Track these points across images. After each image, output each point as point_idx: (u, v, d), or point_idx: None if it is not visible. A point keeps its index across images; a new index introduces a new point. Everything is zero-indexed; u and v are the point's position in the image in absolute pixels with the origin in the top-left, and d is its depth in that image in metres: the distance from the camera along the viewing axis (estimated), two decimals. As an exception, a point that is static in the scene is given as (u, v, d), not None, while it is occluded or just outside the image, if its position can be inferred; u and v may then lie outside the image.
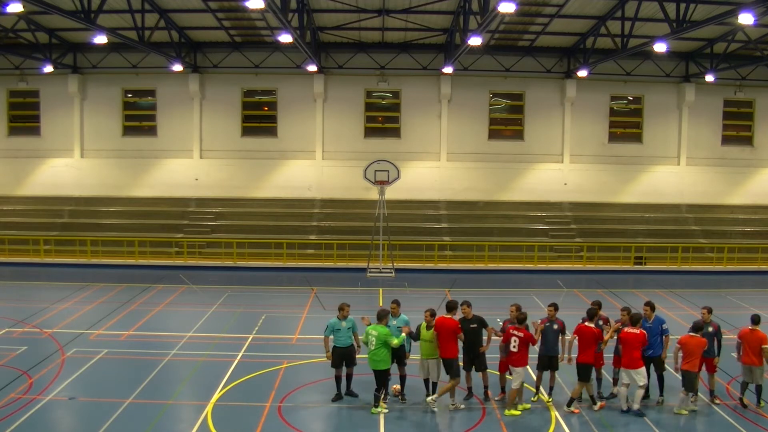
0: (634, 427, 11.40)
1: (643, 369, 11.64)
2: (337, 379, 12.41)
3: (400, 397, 12.45)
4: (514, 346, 11.75)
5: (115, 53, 30.15)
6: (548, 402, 12.37)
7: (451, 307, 12.09)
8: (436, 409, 11.90)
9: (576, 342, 12.05)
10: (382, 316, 11.93)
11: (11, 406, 11.69)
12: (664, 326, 12.34)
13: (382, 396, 11.85)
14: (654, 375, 12.27)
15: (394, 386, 12.54)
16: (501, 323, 12.83)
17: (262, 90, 32.10)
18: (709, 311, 12.71)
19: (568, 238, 30.19)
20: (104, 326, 17.75)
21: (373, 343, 11.63)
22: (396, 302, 12.59)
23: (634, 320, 11.94)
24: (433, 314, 12.06)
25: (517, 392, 11.82)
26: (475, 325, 12.23)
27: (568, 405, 11.91)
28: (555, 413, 11.90)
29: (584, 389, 12.00)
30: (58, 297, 21.24)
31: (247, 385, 13.13)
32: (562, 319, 12.59)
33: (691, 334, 11.76)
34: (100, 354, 15.02)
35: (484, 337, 12.35)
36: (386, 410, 11.80)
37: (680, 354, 11.86)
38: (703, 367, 12.05)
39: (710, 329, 12.34)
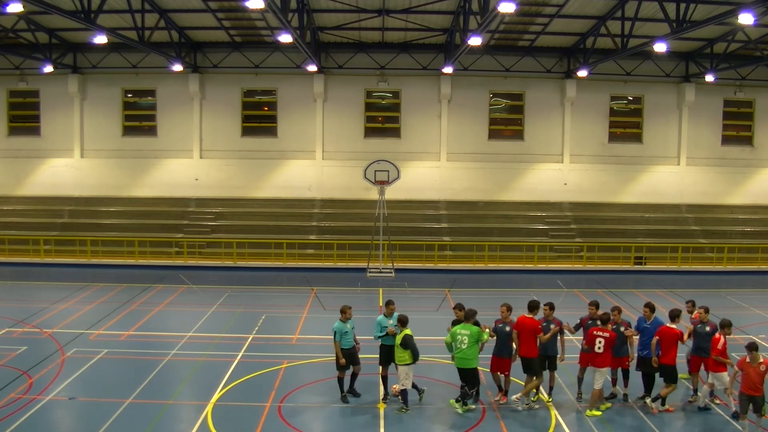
0: (635, 427, 11.41)
1: (606, 369, 11.80)
2: (340, 380, 12.42)
3: (400, 396, 12.44)
4: (599, 347, 11.66)
5: (115, 53, 30.15)
6: (548, 402, 12.37)
7: (532, 306, 12.21)
8: (520, 408, 11.92)
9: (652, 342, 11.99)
10: (470, 315, 11.99)
11: (11, 406, 11.69)
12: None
13: (461, 396, 12.01)
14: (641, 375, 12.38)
15: (394, 386, 12.52)
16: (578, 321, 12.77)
17: (262, 90, 32.09)
18: (707, 311, 12.60)
19: (568, 238, 30.19)
20: (104, 326, 17.75)
21: (465, 342, 11.68)
22: (391, 302, 12.65)
23: (603, 320, 11.95)
24: (403, 323, 11.99)
25: (600, 393, 11.77)
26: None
27: (662, 404, 11.90)
28: (555, 413, 11.91)
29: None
30: (58, 297, 21.23)
31: (247, 385, 13.14)
32: (561, 319, 12.59)
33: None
34: (100, 354, 15.02)
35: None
36: (473, 407, 12.00)
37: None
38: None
39: (707, 329, 12.32)
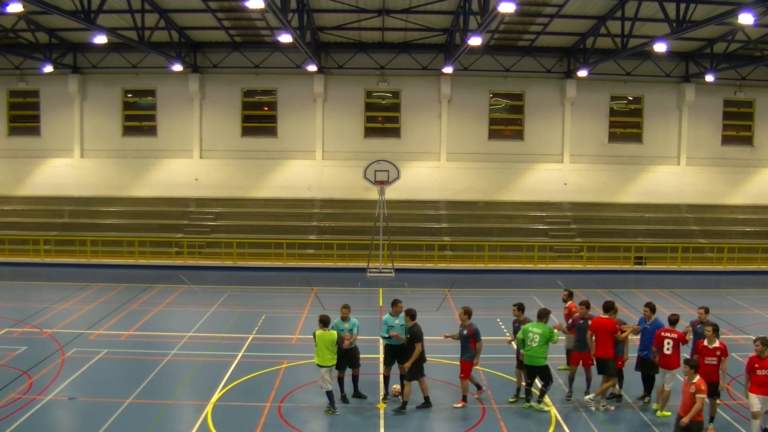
0: (635, 427, 11.41)
1: (677, 370, 11.64)
2: (340, 380, 12.40)
3: (400, 396, 12.44)
4: (667, 348, 11.60)
5: (115, 53, 30.15)
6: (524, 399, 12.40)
7: (608, 307, 12.18)
8: (593, 408, 11.90)
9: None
10: (543, 315, 12.06)
11: (11, 406, 11.69)
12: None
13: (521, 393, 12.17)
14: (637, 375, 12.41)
15: (394, 386, 12.53)
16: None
17: (262, 90, 32.09)
18: (707, 311, 12.62)
19: (568, 238, 30.19)
20: (104, 326, 17.76)
21: (536, 341, 11.77)
22: (397, 301, 12.57)
23: (672, 321, 11.88)
24: (323, 321, 11.94)
25: (668, 394, 11.71)
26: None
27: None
28: (555, 413, 11.90)
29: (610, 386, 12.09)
30: (58, 297, 21.24)
31: (247, 385, 13.14)
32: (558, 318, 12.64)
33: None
34: (100, 354, 15.03)
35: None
36: (548, 408, 12.01)
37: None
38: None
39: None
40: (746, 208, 32.15)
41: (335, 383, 12.21)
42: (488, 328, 18.37)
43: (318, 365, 11.76)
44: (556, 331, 12.15)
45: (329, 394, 11.74)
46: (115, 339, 16.53)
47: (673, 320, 11.92)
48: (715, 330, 10.95)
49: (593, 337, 12.07)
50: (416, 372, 11.86)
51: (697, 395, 9.39)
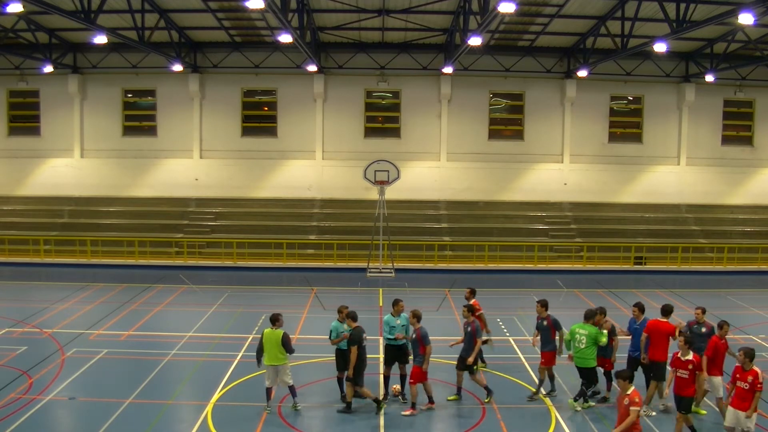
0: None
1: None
2: (340, 380, 12.39)
3: (400, 396, 12.45)
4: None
5: (115, 53, 30.14)
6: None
7: (667, 310, 12.11)
8: (650, 414, 11.64)
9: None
10: (589, 316, 11.99)
11: (11, 406, 11.69)
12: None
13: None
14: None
15: (394, 386, 12.53)
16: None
17: (262, 90, 32.10)
18: (704, 312, 12.55)
19: (568, 238, 30.19)
20: (104, 326, 17.75)
21: (584, 342, 11.74)
22: (398, 300, 12.56)
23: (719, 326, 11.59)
24: (272, 320, 11.94)
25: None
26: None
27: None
28: (555, 413, 11.90)
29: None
30: (58, 297, 21.24)
31: (247, 385, 13.13)
32: (559, 318, 12.65)
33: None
34: (100, 354, 15.03)
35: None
36: (593, 404, 11.97)
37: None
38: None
39: (703, 330, 12.22)
40: (746, 208, 32.15)
41: (334, 383, 12.21)
42: (489, 328, 18.40)
43: (266, 364, 11.70)
44: (604, 331, 12.00)
45: (268, 390, 11.79)
46: (115, 339, 16.52)
47: (667, 311, 11.97)
48: (688, 342, 10.52)
49: (647, 339, 11.76)
50: (356, 376, 11.66)
51: (630, 408, 9.03)
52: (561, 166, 31.97)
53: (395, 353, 12.32)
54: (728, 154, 32.45)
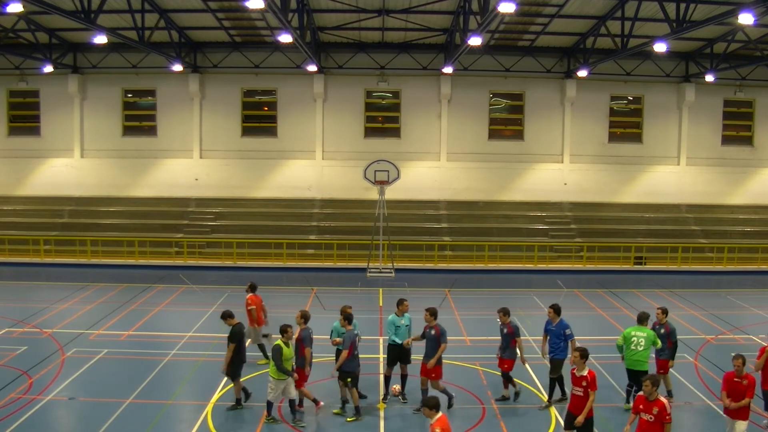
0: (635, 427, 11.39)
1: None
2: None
3: (400, 396, 12.45)
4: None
5: (115, 53, 30.14)
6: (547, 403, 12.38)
7: (642, 318, 12.07)
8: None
9: None
10: (644, 318, 11.89)
11: (11, 406, 11.69)
12: (567, 331, 12.09)
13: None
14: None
15: (394, 386, 12.54)
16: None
17: (262, 90, 32.09)
18: (664, 311, 12.55)
19: (568, 238, 30.18)
20: (104, 326, 17.75)
21: (642, 344, 11.61)
22: (403, 300, 12.62)
23: None
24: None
25: None
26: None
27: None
28: (555, 413, 11.90)
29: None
30: (58, 297, 21.24)
31: (247, 385, 13.10)
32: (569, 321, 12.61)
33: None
34: (100, 354, 15.03)
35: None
36: (628, 407, 11.75)
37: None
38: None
39: (662, 331, 12.28)
40: (746, 208, 32.15)
41: (334, 383, 12.20)
42: (489, 328, 18.39)
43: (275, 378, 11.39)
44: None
45: (270, 405, 11.55)
46: (115, 339, 16.52)
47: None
48: (584, 356, 9.87)
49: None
50: (234, 372, 11.82)
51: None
52: (561, 166, 31.97)
53: (398, 353, 12.33)
54: (728, 154, 32.45)
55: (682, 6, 20.61)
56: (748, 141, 32.72)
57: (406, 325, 12.28)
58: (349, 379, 11.62)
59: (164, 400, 12.30)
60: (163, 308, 20.41)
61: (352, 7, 25.37)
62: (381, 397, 12.39)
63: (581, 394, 9.59)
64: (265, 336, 14.58)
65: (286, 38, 22.84)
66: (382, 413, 11.87)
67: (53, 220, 30.43)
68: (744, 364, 9.66)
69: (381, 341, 15.50)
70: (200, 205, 31.42)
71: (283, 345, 11.12)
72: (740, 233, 31.01)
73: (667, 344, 12.19)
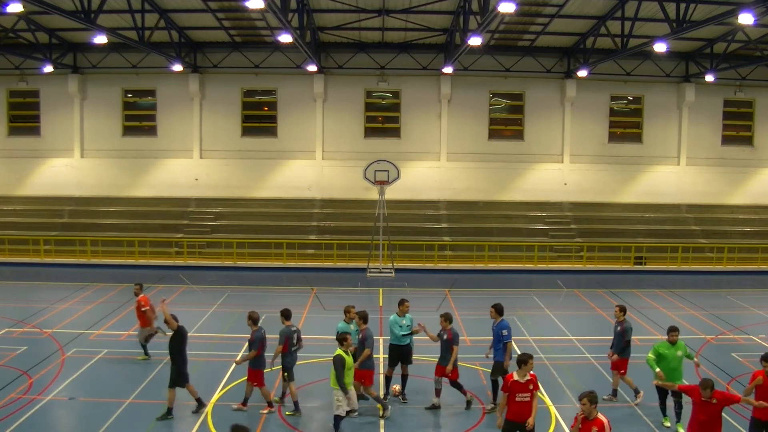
0: (634, 428, 11.40)
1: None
2: None
3: (400, 396, 12.45)
4: None
5: (115, 53, 30.15)
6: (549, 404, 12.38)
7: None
8: None
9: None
10: (672, 330, 11.38)
11: (11, 406, 11.69)
12: (504, 332, 11.85)
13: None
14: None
15: (394, 386, 12.54)
16: None
17: (262, 90, 32.10)
18: (621, 309, 12.53)
19: (568, 238, 30.19)
20: (104, 326, 17.75)
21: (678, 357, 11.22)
22: (404, 300, 12.66)
23: None
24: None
25: None
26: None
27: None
28: (555, 413, 11.90)
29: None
30: (58, 297, 21.23)
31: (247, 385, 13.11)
32: (558, 318, 12.59)
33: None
34: (100, 354, 15.03)
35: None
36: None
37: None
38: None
39: (618, 328, 12.32)
40: (746, 208, 32.15)
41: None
42: (489, 328, 18.39)
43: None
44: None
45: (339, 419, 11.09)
46: (115, 339, 16.52)
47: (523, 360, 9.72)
48: (521, 362, 9.40)
49: None
50: (177, 379, 11.54)
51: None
52: (561, 166, 31.97)
53: (399, 353, 12.34)
54: (728, 154, 32.45)
55: (682, 6, 20.62)
56: (748, 141, 32.72)
57: (408, 326, 12.30)
58: (286, 374, 11.83)
59: (164, 400, 12.27)
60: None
61: (352, 7, 25.37)
62: (381, 397, 12.38)
63: (527, 399, 9.27)
64: (151, 335, 14.70)
65: (286, 38, 22.85)
66: (382, 413, 11.85)
67: (53, 220, 30.43)
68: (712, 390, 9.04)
69: (381, 341, 15.49)
70: (200, 205, 31.43)
71: (344, 354, 10.69)
72: (740, 233, 31.01)
73: (622, 343, 12.21)
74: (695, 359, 11.97)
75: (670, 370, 11.08)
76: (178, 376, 11.55)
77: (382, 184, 26.57)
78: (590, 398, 8.14)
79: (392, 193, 27.97)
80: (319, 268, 27.60)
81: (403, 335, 12.31)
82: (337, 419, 10.74)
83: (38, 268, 27.49)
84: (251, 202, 31.46)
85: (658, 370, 10.93)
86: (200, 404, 11.85)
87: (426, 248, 28.33)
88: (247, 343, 11.98)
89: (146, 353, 14.76)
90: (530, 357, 9.45)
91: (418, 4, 25.30)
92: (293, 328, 12.01)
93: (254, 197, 31.55)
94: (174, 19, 27.26)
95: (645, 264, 28.85)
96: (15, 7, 18.66)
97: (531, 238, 29.78)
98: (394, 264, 26.71)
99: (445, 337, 11.92)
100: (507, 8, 17.79)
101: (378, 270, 26.53)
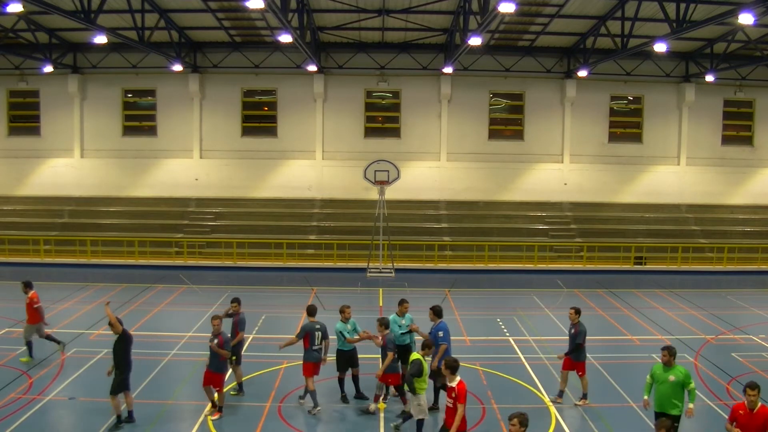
0: (634, 428, 11.40)
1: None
2: (341, 381, 12.43)
3: (400, 397, 12.44)
4: None
5: (115, 53, 30.15)
6: (548, 403, 12.37)
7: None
8: None
9: None
10: (663, 350, 10.68)
11: (11, 406, 11.69)
12: (440, 333, 11.75)
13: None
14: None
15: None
16: None
17: (262, 90, 32.09)
18: (576, 311, 12.53)
19: (568, 238, 30.18)
20: (104, 326, 17.69)
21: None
22: (404, 301, 12.68)
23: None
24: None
25: None
26: None
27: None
28: (555, 413, 11.90)
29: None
30: (58, 297, 21.21)
31: (247, 385, 13.11)
32: (558, 318, 12.60)
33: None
34: (100, 354, 14.99)
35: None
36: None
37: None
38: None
39: (572, 330, 12.31)
40: (746, 208, 32.14)
41: (335, 383, 12.21)
42: (489, 328, 18.43)
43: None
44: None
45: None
46: (114, 339, 16.46)
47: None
48: (449, 367, 9.09)
49: None
50: (120, 385, 11.04)
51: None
52: (561, 166, 31.97)
53: (400, 353, 12.32)
54: (728, 154, 32.45)
55: (682, 6, 20.60)
56: (748, 141, 32.71)
57: (407, 325, 12.30)
58: (234, 357, 12.39)
59: (164, 400, 12.30)
60: (163, 308, 20.40)
61: (352, 7, 25.37)
62: (382, 396, 12.37)
63: (451, 405, 9.04)
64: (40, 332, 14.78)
65: (286, 38, 22.84)
66: (382, 413, 11.86)
67: (53, 220, 30.44)
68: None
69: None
70: (200, 205, 31.43)
71: (423, 360, 10.61)
72: (740, 233, 31.01)
73: (573, 345, 12.19)
74: (691, 405, 9.72)
75: (661, 395, 9.63)
76: (121, 382, 11.02)
77: (382, 184, 26.57)
78: (520, 420, 8.00)
79: (392, 193, 27.96)
80: (319, 268, 27.59)
81: (402, 334, 12.32)
82: (420, 423, 10.49)
83: (38, 268, 27.43)
84: (251, 202, 31.45)
85: (645, 398, 9.99)
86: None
87: (426, 248, 28.32)
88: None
89: (30, 354, 14.41)
90: (455, 361, 9.16)
91: (418, 4, 25.30)
92: (317, 326, 12.04)
93: (254, 197, 31.54)
94: (174, 19, 27.25)
95: (645, 264, 28.84)
96: (15, 7, 18.64)
97: (531, 238, 29.78)
98: (394, 264, 26.70)
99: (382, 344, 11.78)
100: (507, 8, 17.78)
101: (378, 270, 26.53)
